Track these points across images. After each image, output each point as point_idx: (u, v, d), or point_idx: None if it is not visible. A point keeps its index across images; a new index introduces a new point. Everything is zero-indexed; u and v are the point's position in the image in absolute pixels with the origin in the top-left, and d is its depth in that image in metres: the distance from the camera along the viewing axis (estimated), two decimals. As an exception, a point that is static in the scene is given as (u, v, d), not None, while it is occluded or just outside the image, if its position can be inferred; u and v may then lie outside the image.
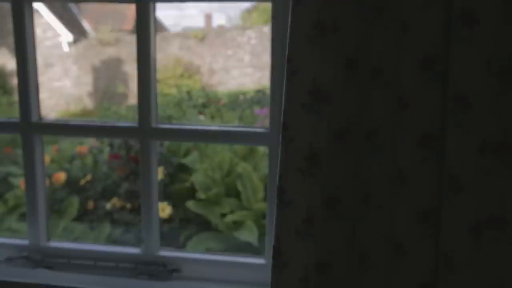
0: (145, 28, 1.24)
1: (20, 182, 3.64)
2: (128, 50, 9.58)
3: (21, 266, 1.36)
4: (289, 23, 0.78)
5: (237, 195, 3.66)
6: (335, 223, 0.83)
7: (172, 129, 1.32)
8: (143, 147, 1.30)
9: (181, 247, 3.19)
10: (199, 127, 1.31)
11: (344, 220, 0.83)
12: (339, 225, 0.83)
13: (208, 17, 12.77)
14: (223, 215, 3.46)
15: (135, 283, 1.28)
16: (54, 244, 1.40)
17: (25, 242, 1.40)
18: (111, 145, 4.02)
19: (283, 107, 0.82)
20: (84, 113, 8.54)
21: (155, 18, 1.28)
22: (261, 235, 3.20)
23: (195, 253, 1.37)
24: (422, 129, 0.78)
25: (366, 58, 0.79)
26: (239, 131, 1.30)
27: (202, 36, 9.55)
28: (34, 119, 1.34)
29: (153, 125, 1.29)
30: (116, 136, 1.35)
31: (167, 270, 1.32)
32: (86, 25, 10.83)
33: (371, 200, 0.83)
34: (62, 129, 1.37)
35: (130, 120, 6.02)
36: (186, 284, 1.30)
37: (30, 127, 1.33)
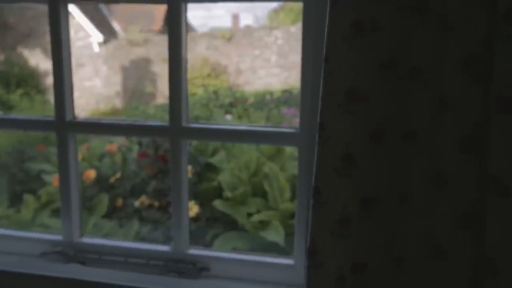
0: (176, 29, 1.26)
1: (52, 179, 3.72)
2: (156, 50, 9.70)
3: (55, 261, 1.40)
4: (326, 23, 0.78)
5: (263, 195, 3.65)
6: (371, 224, 0.82)
7: (202, 129, 1.33)
8: (174, 146, 1.31)
9: (208, 246, 3.22)
10: (229, 127, 1.32)
11: (380, 222, 0.82)
12: (375, 226, 0.82)
13: (235, 17, 12.82)
14: (250, 215, 3.47)
15: (165, 280, 1.30)
16: (87, 240, 1.43)
17: (59, 237, 1.43)
18: (139, 144, 4.07)
19: (319, 107, 0.81)
20: (113, 112, 8.69)
21: (186, 18, 1.29)
22: (287, 235, 3.20)
23: (224, 252, 1.38)
24: (463, 130, 0.76)
25: (404, 58, 0.78)
26: (269, 131, 1.30)
27: (229, 36, 9.59)
28: (68, 118, 1.37)
29: (184, 124, 1.30)
30: (147, 135, 1.37)
31: (196, 268, 1.33)
32: (116, 26, 11.02)
33: (408, 201, 0.82)
34: (95, 127, 1.40)
35: (158, 120, 6.09)
36: (215, 283, 1.30)
37: (65, 126, 1.37)
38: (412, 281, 0.84)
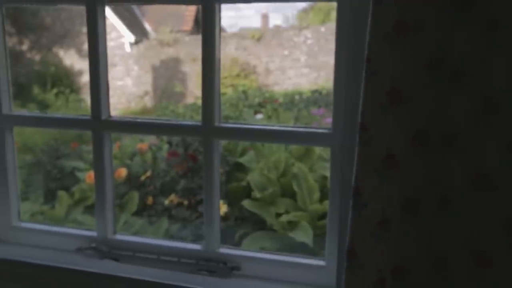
0: (210, 29, 1.26)
1: (85, 176, 3.80)
2: (186, 51, 9.81)
3: (89, 257, 1.43)
4: (368, 23, 0.77)
5: (292, 195, 3.64)
6: (412, 227, 0.81)
7: (234, 128, 1.33)
8: (206, 146, 1.32)
9: (236, 245, 3.23)
10: (262, 127, 1.32)
11: (421, 224, 0.80)
12: (416, 229, 0.81)
13: (265, 17, 12.82)
14: (278, 215, 3.46)
15: (197, 278, 1.31)
16: (120, 237, 1.46)
17: (93, 234, 1.46)
18: (169, 143, 4.12)
19: (360, 108, 0.80)
20: (144, 111, 8.83)
21: (220, 19, 1.30)
22: (316, 236, 3.18)
23: (255, 252, 1.38)
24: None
25: (449, 58, 0.76)
26: (301, 131, 1.29)
27: (259, 36, 9.61)
28: (104, 116, 1.39)
29: (216, 124, 1.31)
30: (180, 134, 1.38)
31: (227, 267, 1.34)
32: (147, 26, 11.19)
33: (450, 205, 0.80)
34: (130, 126, 1.42)
35: (187, 119, 6.15)
36: (246, 283, 1.31)
37: (100, 124, 1.39)
38: (455, 286, 0.82)
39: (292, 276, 1.32)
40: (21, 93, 8.29)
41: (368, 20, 0.84)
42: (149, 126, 1.41)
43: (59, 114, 1.47)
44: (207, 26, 1.26)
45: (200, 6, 1.27)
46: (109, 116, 1.41)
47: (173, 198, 3.73)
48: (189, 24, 11.14)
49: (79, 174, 4.10)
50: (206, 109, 1.30)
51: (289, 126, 1.34)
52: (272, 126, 1.32)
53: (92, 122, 1.40)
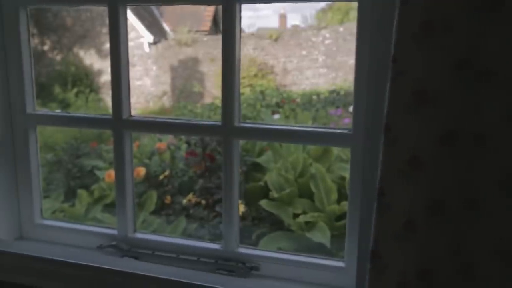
0: (230, 28, 1.27)
1: (105, 175, 3.84)
2: (204, 50, 9.86)
3: (110, 254, 1.44)
4: (395, 23, 0.76)
5: (310, 196, 3.63)
6: (438, 229, 0.80)
7: (254, 128, 1.33)
8: (226, 146, 1.32)
9: (253, 245, 3.23)
10: (282, 127, 1.32)
11: (447, 226, 0.79)
12: (442, 231, 0.79)
13: (283, 17, 12.82)
14: (296, 215, 3.45)
15: (216, 278, 1.31)
16: (140, 235, 1.47)
17: (114, 232, 1.48)
18: (188, 143, 4.15)
19: (386, 108, 0.79)
20: (162, 111, 8.90)
21: (240, 19, 1.30)
22: (333, 237, 3.17)
23: (274, 252, 1.38)
24: None
25: (478, 58, 0.75)
26: (321, 132, 1.28)
27: (276, 36, 9.61)
28: (125, 116, 1.41)
29: (236, 123, 1.31)
30: (200, 134, 1.39)
31: (246, 267, 1.34)
32: (166, 26, 11.28)
33: (478, 207, 0.78)
34: (150, 126, 1.43)
35: (205, 119, 6.18)
36: (265, 283, 1.30)
37: (121, 124, 1.41)
38: (482, 289, 0.81)
39: (310, 277, 1.31)
40: (42, 92, 8.44)
41: (392, 19, 0.84)
42: (169, 126, 1.42)
43: (81, 114, 1.49)
44: (227, 26, 1.27)
45: (218, 7, 1.28)
46: (130, 115, 1.42)
47: (191, 197, 3.75)
48: (207, 24, 11.20)
49: (98, 173, 4.15)
50: (226, 109, 1.30)
51: (309, 126, 1.33)
52: (292, 126, 1.32)
53: (113, 122, 1.41)
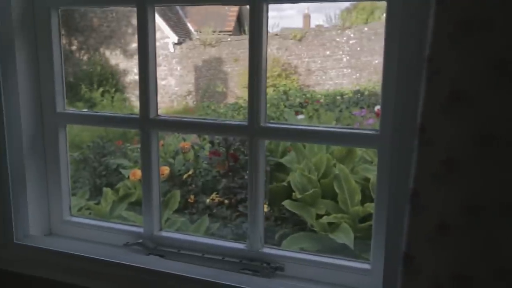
0: (257, 28, 1.27)
1: (130, 173, 3.89)
2: (228, 50, 9.91)
3: (136, 252, 1.46)
4: (431, 22, 0.75)
5: (333, 197, 3.60)
6: (474, 233, 0.78)
7: (280, 128, 1.33)
8: (252, 146, 1.32)
9: (276, 245, 3.22)
10: (308, 127, 1.31)
11: (483, 231, 0.77)
12: (478, 235, 0.77)
13: (307, 17, 12.77)
14: (319, 216, 3.43)
15: (241, 277, 1.31)
16: (166, 233, 1.49)
17: (140, 230, 1.50)
18: (211, 142, 4.16)
19: (420, 109, 0.78)
20: (186, 110, 8.98)
21: (267, 19, 1.30)
22: (356, 239, 3.14)
23: (298, 253, 1.37)
24: None
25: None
26: (348, 132, 1.28)
27: (300, 36, 9.58)
28: (152, 115, 1.42)
29: (262, 124, 1.31)
30: (226, 134, 1.39)
31: (271, 267, 1.34)
32: (190, 27, 11.37)
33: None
34: (177, 125, 1.44)
35: (228, 118, 6.20)
36: (289, 283, 1.30)
37: (149, 123, 1.42)
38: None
39: (335, 278, 1.30)
40: (69, 91, 8.61)
41: (423, 19, 0.82)
42: (195, 126, 1.43)
43: (109, 113, 1.52)
44: (254, 26, 1.27)
45: (242, 7, 1.28)
46: (157, 115, 1.44)
47: (214, 197, 3.76)
48: (231, 25, 11.25)
49: (123, 171, 4.20)
50: (252, 109, 1.30)
51: (335, 127, 1.33)
52: (318, 126, 1.31)
53: (140, 121, 1.43)
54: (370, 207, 3.30)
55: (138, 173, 3.76)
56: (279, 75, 9.19)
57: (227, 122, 1.38)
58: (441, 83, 0.76)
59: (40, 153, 1.54)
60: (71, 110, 1.60)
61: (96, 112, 1.77)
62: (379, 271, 1.22)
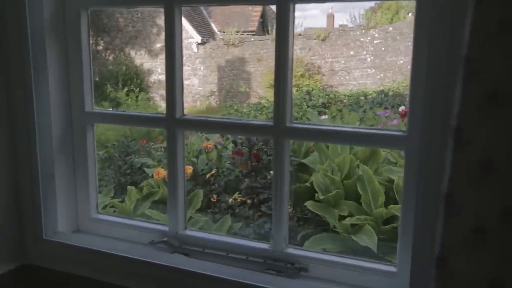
0: (284, 28, 1.26)
1: (154, 172, 3.93)
2: (251, 50, 9.92)
3: (161, 250, 1.47)
4: (470, 21, 0.73)
5: (356, 198, 3.57)
6: (511, 237, 0.75)
7: (306, 129, 1.32)
8: (277, 146, 1.32)
9: (298, 246, 3.21)
10: (333, 128, 1.30)
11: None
12: (515, 239, 0.75)
13: (330, 17, 12.70)
14: (341, 217, 3.41)
15: (265, 277, 1.31)
16: (190, 232, 1.50)
17: (165, 228, 1.51)
18: (234, 142, 4.17)
19: (456, 109, 0.76)
20: (209, 110, 9.03)
21: (294, 18, 1.29)
22: (379, 241, 3.10)
23: (323, 254, 1.37)
24: None
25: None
26: (375, 133, 1.26)
27: (324, 36, 9.53)
28: (178, 115, 1.43)
29: (288, 124, 1.31)
30: (252, 134, 1.40)
31: (295, 268, 1.33)
32: (214, 27, 11.44)
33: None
34: (203, 124, 1.45)
35: (251, 118, 6.21)
36: (314, 285, 1.29)
37: (175, 122, 1.43)
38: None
39: (360, 280, 1.29)
40: (95, 91, 8.76)
41: (455, 18, 0.80)
42: (221, 125, 1.43)
43: (136, 112, 1.54)
44: (280, 26, 1.26)
45: (266, 7, 1.28)
46: (183, 114, 1.45)
47: (237, 196, 3.76)
48: (254, 25, 11.26)
49: (147, 170, 4.25)
50: (278, 109, 1.30)
51: (361, 127, 1.32)
52: (344, 127, 1.30)
53: (167, 120, 1.44)
54: (394, 208, 3.25)
55: (161, 172, 3.80)
56: (302, 75, 9.16)
57: (253, 122, 1.38)
58: (480, 83, 0.74)
59: (69, 151, 1.57)
60: (98, 109, 1.63)
61: (124, 111, 1.79)
62: (406, 274, 1.20)
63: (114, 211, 3.69)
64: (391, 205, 3.31)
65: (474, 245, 0.78)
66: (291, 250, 1.38)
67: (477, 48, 0.74)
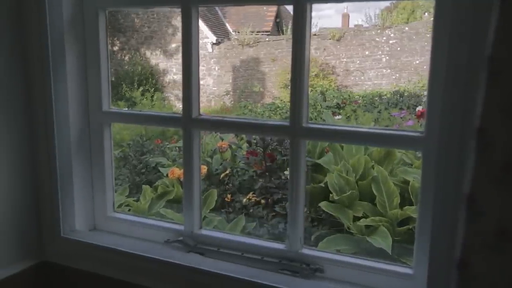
0: (301, 29, 1.26)
1: (168, 172, 3.95)
2: (266, 51, 9.92)
3: (176, 249, 1.48)
4: (494, 22, 0.72)
5: (371, 199, 3.54)
6: None
7: (322, 129, 1.32)
8: (293, 146, 1.32)
9: (312, 246, 3.20)
10: (350, 128, 1.30)
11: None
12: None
13: (346, 17, 12.64)
14: (356, 218, 3.39)
15: (281, 278, 1.31)
16: (206, 232, 1.50)
17: (181, 227, 1.52)
18: (248, 142, 4.17)
19: (479, 110, 0.75)
20: (223, 110, 9.05)
21: (311, 19, 1.29)
22: (394, 242, 3.07)
23: (338, 255, 1.36)
24: None
25: None
26: (392, 134, 1.25)
27: (339, 36, 9.48)
28: (194, 115, 1.44)
29: (304, 124, 1.30)
30: (268, 134, 1.40)
31: (310, 269, 1.33)
32: (229, 27, 11.46)
33: None
34: (219, 124, 1.45)
35: (265, 118, 6.21)
36: (329, 285, 1.29)
37: (191, 122, 1.44)
38: None
39: (376, 282, 1.28)
40: (111, 91, 8.84)
41: (477, 18, 0.79)
42: (237, 125, 1.43)
43: (152, 112, 1.55)
44: (297, 26, 1.26)
45: (280, 7, 1.28)
46: (199, 114, 1.45)
47: (251, 196, 3.76)
48: (269, 25, 11.26)
49: (162, 170, 4.27)
50: (294, 109, 1.30)
51: (378, 128, 1.31)
52: (360, 127, 1.29)
53: (183, 120, 1.45)
54: (409, 210, 3.22)
55: (176, 171, 3.82)
56: (316, 76, 9.13)
57: (269, 122, 1.38)
58: (504, 83, 0.73)
59: (86, 150, 1.59)
60: (115, 109, 1.64)
61: (140, 111, 1.80)
62: (423, 276, 1.19)
63: (129, 210, 3.72)
64: (406, 207, 3.28)
65: (497, 247, 0.76)
66: (307, 251, 1.37)
67: (501, 48, 0.72)
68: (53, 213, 1.56)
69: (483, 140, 0.75)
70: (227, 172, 3.99)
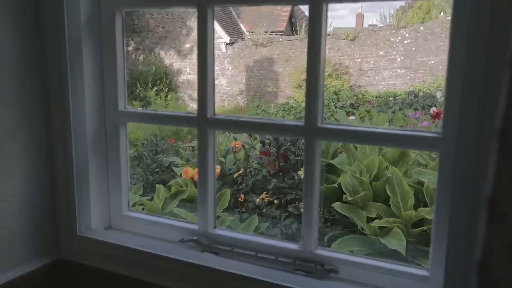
0: (317, 28, 1.25)
1: (182, 171, 3.96)
2: (279, 51, 9.91)
3: (191, 249, 1.49)
4: None
5: (385, 200, 3.52)
6: None
7: (338, 129, 1.31)
8: (308, 146, 1.31)
9: (325, 247, 3.18)
10: (366, 129, 1.29)
11: None
12: None
13: (360, 17, 12.57)
14: (369, 219, 3.36)
15: (295, 278, 1.31)
16: (220, 231, 1.50)
17: (195, 227, 1.52)
18: (262, 142, 4.18)
19: (501, 111, 0.74)
20: (237, 110, 9.06)
21: (327, 19, 1.28)
22: (408, 244, 3.05)
23: (353, 256, 1.35)
24: None
25: None
26: (408, 135, 1.24)
27: (353, 36, 9.43)
28: (209, 114, 1.44)
29: (319, 124, 1.30)
30: (283, 134, 1.39)
31: (325, 269, 1.32)
32: (243, 27, 11.48)
33: None
34: (234, 124, 1.46)
35: (279, 118, 6.20)
36: (343, 286, 1.28)
37: (206, 122, 1.44)
38: None
39: (391, 283, 1.27)
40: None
41: (496, 18, 0.78)
42: (251, 125, 1.43)
43: (168, 111, 1.55)
44: (313, 27, 1.26)
45: (295, 7, 1.27)
46: (214, 114, 1.46)
47: (264, 196, 3.76)
48: (283, 25, 11.25)
49: (175, 169, 4.29)
50: (309, 109, 1.29)
51: (394, 128, 1.29)
52: (376, 128, 1.28)
53: (198, 120, 1.45)
54: (424, 211, 3.20)
55: (189, 171, 3.83)
56: (329, 76, 9.09)
57: (284, 122, 1.38)
58: None
59: (102, 150, 1.60)
60: (131, 108, 1.65)
61: (155, 110, 1.81)
62: (439, 278, 1.18)
63: (143, 209, 3.75)
64: (421, 208, 3.25)
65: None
66: (321, 251, 1.37)
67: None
68: (70, 212, 1.58)
69: (506, 142, 0.74)
70: (241, 172, 3.99)
